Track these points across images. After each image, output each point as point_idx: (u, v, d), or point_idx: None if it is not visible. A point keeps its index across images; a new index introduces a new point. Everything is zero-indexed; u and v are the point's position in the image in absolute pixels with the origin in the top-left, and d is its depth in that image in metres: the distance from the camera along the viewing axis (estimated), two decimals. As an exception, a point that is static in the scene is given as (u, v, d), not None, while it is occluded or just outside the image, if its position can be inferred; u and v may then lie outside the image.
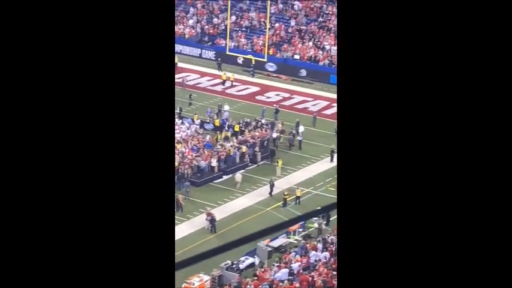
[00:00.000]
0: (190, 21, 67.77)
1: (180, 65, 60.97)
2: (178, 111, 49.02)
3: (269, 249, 33.02)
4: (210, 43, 65.31)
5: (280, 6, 67.40)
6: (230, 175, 41.94)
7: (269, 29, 62.91)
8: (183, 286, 29.94)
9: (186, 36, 66.22)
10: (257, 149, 44.01)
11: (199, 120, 47.88)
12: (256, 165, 43.32)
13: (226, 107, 50.71)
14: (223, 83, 57.80)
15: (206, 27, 66.98)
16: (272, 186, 39.82)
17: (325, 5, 66.36)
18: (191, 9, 69.01)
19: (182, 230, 35.54)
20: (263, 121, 47.88)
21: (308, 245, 32.57)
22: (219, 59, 61.32)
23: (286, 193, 38.79)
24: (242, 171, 42.11)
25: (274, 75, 60.89)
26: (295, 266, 30.37)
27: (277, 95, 56.45)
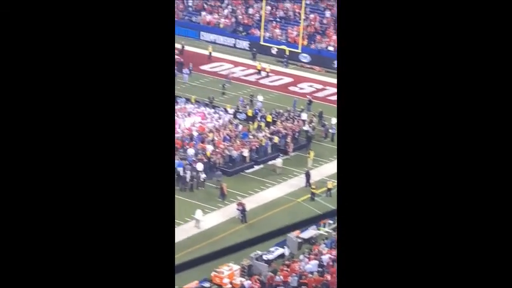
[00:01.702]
0: (225, 11, 67.85)
1: (214, 54, 61.16)
2: (209, 100, 49.25)
3: (299, 240, 33.09)
4: (245, 33, 65.35)
5: (316, -3, 67.25)
6: (262, 165, 42.08)
7: (304, 19, 62.80)
8: (212, 275, 30.13)
9: (221, 26, 66.35)
10: (289, 139, 44.05)
11: (232, 110, 48.00)
12: (288, 156, 43.34)
13: (259, 98, 50.76)
14: (258, 72, 57.86)
15: (241, 17, 67.01)
16: (308, 176, 39.70)
17: (360, -3, 66.03)
18: (226, -2, 69.11)
19: (213, 219, 35.74)
20: (303, 115, 47.60)
21: (338, 237, 32.54)
22: (254, 49, 61.35)
23: (313, 186, 38.68)
24: (281, 158, 42.22)
25: (308, 66, 60.80)
26: (325, 258, 30.40)
27: (310, 86, 56.37)
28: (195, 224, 34.89)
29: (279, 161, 41.70)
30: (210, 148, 41.42)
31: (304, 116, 47.61)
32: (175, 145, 41.68)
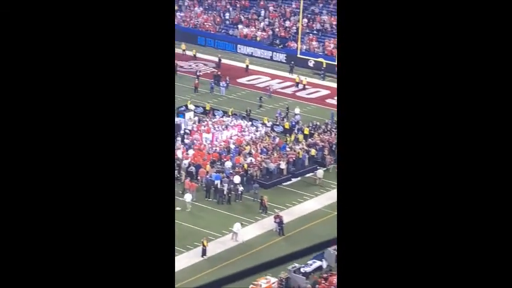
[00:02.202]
0: (262, 24, 68.04)
1: (251, 67, 61.33)
2: (246, 113, 49.34)
3: (337, 253, 32.97)
4: (281, 46, 65.45)
5: (352, 9, 67.07)
6: (299, 178, 42.02)
7: (341, 32, 62.64)
8: (250, 287, 30.13)
9: (258, 38, 66.54)
10: (326, 151, 43.93)
11: (270, 123, 48.04)
12: (325, 168, 43.20)
13: (297, 110, 50.74)
14: (296, 85, 57.88)
15: (278, 30, 67.15)
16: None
17: (397, 9, 65.70)
18: (263, 11, 69.29)
19: (250, 232, 35.74)
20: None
21: (376, 250, 32.32)
22: (292, 62, 61.39)
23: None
24: (323, 169, 42.09)
25: (345, 78, 60.58)
26: (363, 271, 30.18)
27: (348, 98, 56.14)
28: (232, 236, 34.91)
29: (320, 172, 41.64)
30: (247, 161, 41.47)
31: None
32: (213, 158, 41.80)
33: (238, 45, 66.41)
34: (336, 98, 56.01)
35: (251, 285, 30.14)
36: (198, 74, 57.58)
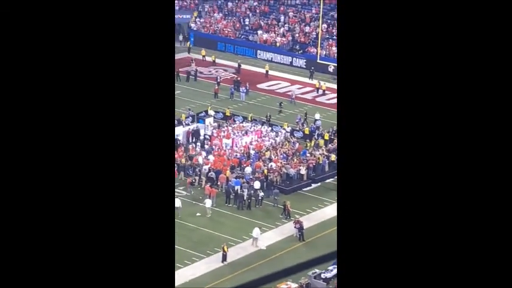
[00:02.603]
0: (282, 30, 68.08)
1: (271, 72, 61.36)
2: (266, 118, 49.37)
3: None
4: (301, 51, 65.46)
5: (372, 14, 66.88)
6: (319, 183, 41.95)
7: (360, 37, 62.52)
8: (270, 293, 30.16)
9: (277, 44, 66.58)
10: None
11: (290, 128, 48.04)
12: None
13: (317, 116, 50.71)
14: (316, 90, 57.87)
15: (297, 35, 67.16)
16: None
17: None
18: (282, 17, 69.33)
19: (270, 237, 35.74)
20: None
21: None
22: (312, 68, 61.39)
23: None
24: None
25: (365, 83, 60.43)
26: (384, 276, 30.06)
27: (368, 103, 55.97)
28: (253, 242, 34.92)
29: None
30: (267, 166, 41.47)
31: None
32: (233, 163, 41.84)
33: (258, 51, 66.48)
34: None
35: (271, 291, 30.16)
36: (218, 79, 57.71)
